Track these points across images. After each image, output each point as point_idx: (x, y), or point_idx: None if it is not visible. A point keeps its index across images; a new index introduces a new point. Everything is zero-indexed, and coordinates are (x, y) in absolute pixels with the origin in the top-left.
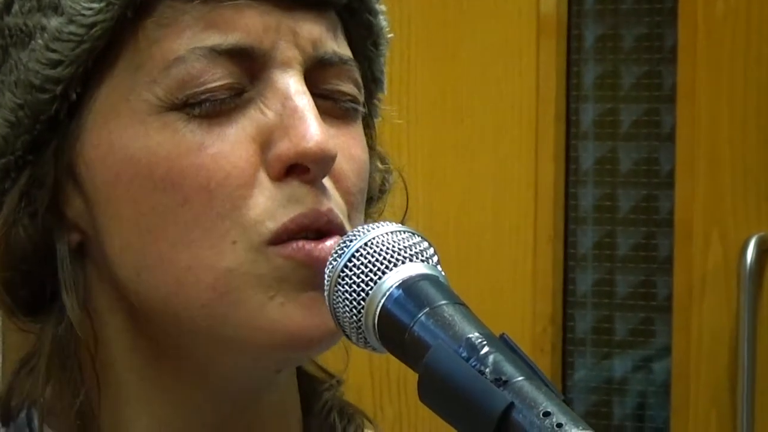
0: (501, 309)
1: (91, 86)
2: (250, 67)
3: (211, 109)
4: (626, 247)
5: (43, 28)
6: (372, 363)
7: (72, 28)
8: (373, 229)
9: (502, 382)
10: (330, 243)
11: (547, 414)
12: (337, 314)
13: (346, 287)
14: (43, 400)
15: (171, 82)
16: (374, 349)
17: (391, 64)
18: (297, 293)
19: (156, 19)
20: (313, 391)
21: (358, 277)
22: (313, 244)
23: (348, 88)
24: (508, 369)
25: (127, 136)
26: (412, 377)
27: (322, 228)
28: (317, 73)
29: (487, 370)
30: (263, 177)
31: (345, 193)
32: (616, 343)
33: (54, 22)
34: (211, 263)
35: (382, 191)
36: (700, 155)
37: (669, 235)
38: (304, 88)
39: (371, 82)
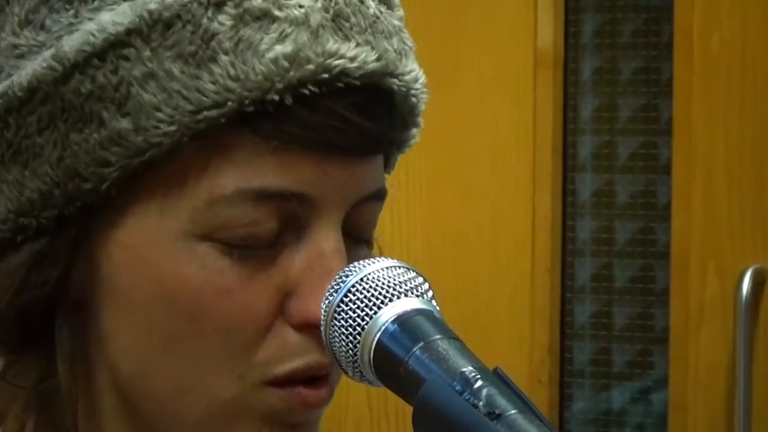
0: (499, 339)
1: (133, 189)
2: (292, 212)
3: (247, 253)
4: (624, 279)
5: (102, 122)
6: (370, 396)
7: (137, 139)
8: (369, 264)
9: (495, 415)
10: (325, 390)
11: None
12: (334, 348)
13: (343, 322)
14: None
15: (211, 219)
16: (370, 383)
17: None
18: (282, 428)
19: (220, 153)
20: None
21: (354, 312)
22: (310, 391)
23: (375, 217)
24: (502, 402)
25: (155, 254)
26: (410, 410)
27: (320, 376)
28: (356, 211)
29: (481, 403)
30: (280, 323)
31: None
32: (615, 375)
33: (116, 123)
34: (213, 392)
35: None
36: (696, 187)
37: (666, 267)
38: (341, 245)
39: (385, 166)
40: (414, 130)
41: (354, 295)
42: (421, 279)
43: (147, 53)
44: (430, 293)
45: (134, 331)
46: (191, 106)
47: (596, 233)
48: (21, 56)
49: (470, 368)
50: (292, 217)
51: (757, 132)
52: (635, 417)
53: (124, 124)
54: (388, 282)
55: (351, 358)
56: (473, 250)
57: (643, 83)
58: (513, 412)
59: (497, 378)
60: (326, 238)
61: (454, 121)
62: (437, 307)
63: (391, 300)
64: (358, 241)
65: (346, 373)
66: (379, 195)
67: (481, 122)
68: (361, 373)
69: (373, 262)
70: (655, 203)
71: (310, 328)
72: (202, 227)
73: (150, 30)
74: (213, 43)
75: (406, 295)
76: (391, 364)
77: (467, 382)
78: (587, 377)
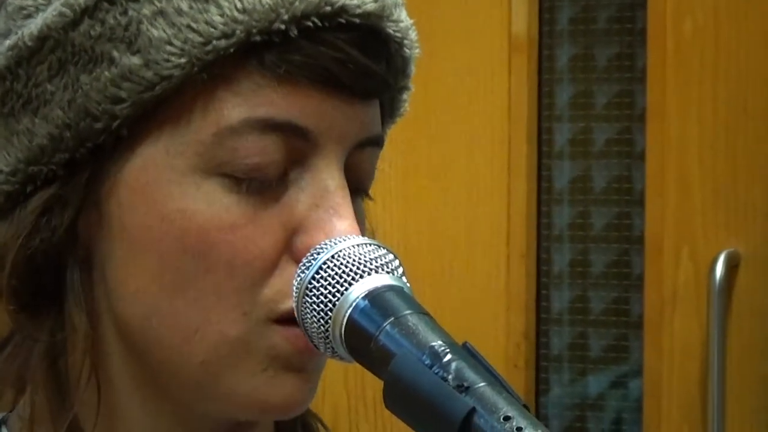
0: (475, 325)
1: (142, 128)
2: (297, 147)
3: (253, 187)
4: (601, 265)
5: (112, 61)
6: (347, 382)
7: (147, 74)
8: (341, 242)
9: (464, 388)
10: None
11: (507, 418)
12: (306, 325)
13: (314, 298)
14: (32, 409)
15: (218, 150)
16: (342, 359)
17: None
18: (286, 372)
19: (227, 85)
20: None
21: (326, 289)
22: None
23: (373, 167)
24: (470, 375)
25: (163, 192)
26: None
27: None
28: (356, 155)
29: (450, 376)
30: (286, 260)
31: None
32: (592, 360)
33: (126, 60)
34: (220, 329)
35: None
36: (669, 173)
37: (643, 253)
38: (344, 182)
39: None
40: (405, 94)
41: (325, 272)
42: (391, 256)
43: None
44: (400, 270)
45: (143, 274)
46: (200, 38)
47: (573, 220)
48: (28, 16)
49: (440, 342)
50: (296, 152)
51: (730, 118)
52: (612, 402)
53: (135, 60)
54: (359, 259)
55: (323, 334)
56: (449, 237)
57: (619, 69)
58: (482, 384)
59: (466, 352)
60: (330, 175)
61: (429, 107)
62: (408, 284)
63: (362, 276)
64: (357, 191)
65: (317, 348)
66: (378, 141)
67: (456, 109)
68: (333, 349)
69: (344, 240)
70: (631, 189)
71: None
72: (209, 161)
73: None
74: None
75: (376, 272)
76: (362, 340)
77: (437, 356)
78: (565, 363)
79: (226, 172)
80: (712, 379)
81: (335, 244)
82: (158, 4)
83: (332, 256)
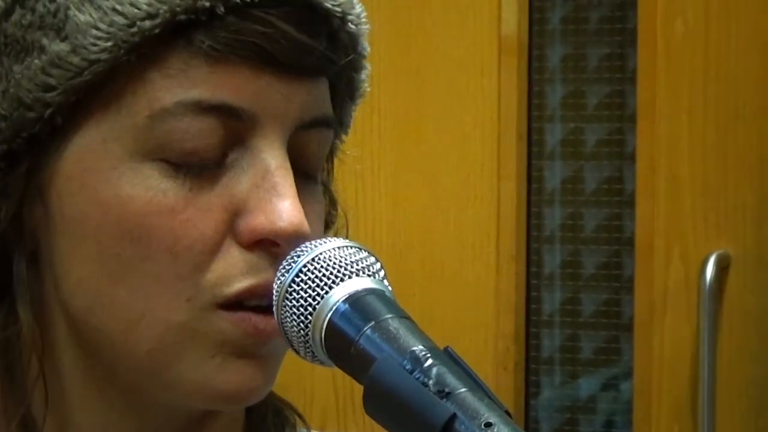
0: (464, 327)
1: (77, 116)
2: (235, 129)
3: (192, 172)
4: (592, 266)
5: (42, 49)
6: (336, 383)
7: (75, 59)
8: (321, 244)
9: (445, 393)
10: (276, 320)
11: (488, 425)
12: (285, 328)
13: (294, 302)
14: None
15: (152, 133)
16: (322, 363)
17: None
18: (236, 358)
19: (155, 69)
20: None
21: (306, 292)
22: (260, 318)
23: (323, 150)
24: (451, 381)
25: (99, 179)
26: None
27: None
28: (299, 137)
29: (431, 382)
30: (228, 243)
31: None
32: (583, 362)
33: (55, 46)
34: (163, 316)
35: (327, 227)
36: (660, 175)
37: (634, 254)
38: (286, 162)
39: (339, 125)
40: (363, 73)
41: (305, 275)
42: (372, 258)
43: None
44: (381, 273)
45: (85, 262)
46: (125, 20)
47: (565, 221)
48: None
49: (420, 347)
50: (234, 133)
51: (720, 119)
52: (603, 405)
53: (63, 46)
54: (340, 262)
55: (303, 338)
56: (438, 238)
57: (610, 70)
58: (463, 390)
59: (448, 357)
60: (270, 155)
61: (419, 107)
62: (389, 287)
63: (342, 280)
64: (306, 175)
65: (297, 353)
66: (326, 122)
67: (446, 109)
68: (313, 353)
69: (325, 242)
70: (623, 190)
71: (259, 246)
72: (145, 145)
73: None
74: None
75: (357, 275)
76: (343, 344)
77: (417, 360)
78: (555, 365)
79: (163, 157)
80: (702, 380)
81: (315, 246)
82: None
83: (312, 259)
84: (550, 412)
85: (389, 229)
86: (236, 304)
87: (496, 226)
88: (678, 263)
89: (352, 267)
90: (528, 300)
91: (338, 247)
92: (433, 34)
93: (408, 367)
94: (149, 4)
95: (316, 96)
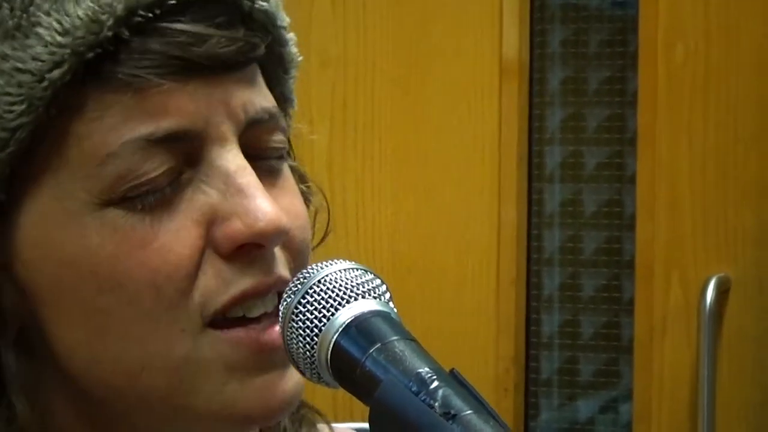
0: (464, 349)
1: (21, 186)
2: (186, 148)
3: (152, 200)
4: (591, 289)
5: None
6: (336, 400)
7: None
8: (327, 266)
9: (450, 415)
10: (277, 328)
11: None
12: (291, 350)
13: (300, 323)
14: None
15: (107, 178)
16: (327, 384)
17: (355, 106)
18: (251, 378)
19: (83, 115)
20: None
21: (312, 314)
22: (260, 329)
23: (278, 141)
24: (457, 403)
25: (63, 237)
26: None
27: (269, 294)
28: (250, 133)
29: (437, 404)
30: (209, 255)
31: (293, 252)
32: (582, 385)
33: None
34: (163, 354)
35: (306, 202)
36: (660, 198)
37: (633, 277)
38: (245, 162)
39: (282, 101)
40: (291, 45)
41: (311, 296)
42: (378, 281)
43: None
44: (387, 295)
45: (72, 326)
46: (33, 77)
47: (564, 243)
48: None
49: (426, 369)
50: (186, 153)
51: (720, 142)
52: (602, 427)
53: None
54: (346, 284)
55: (309, 359)
56: (439, 261)
57: (611, 94)
58: (468, 412)
59: (453, 379)
60: (226, 160)
61: (420, 130)
62: (394, 309)
63: (348, 302)
64: (271, 170)
65: (303, 374)
66: (270, 111)
67: (447, 132)
68: (319, 374)
69: (331, 264)
70: (622, 213)
71: (241, 252)
72: (100, 191)
73: None
74: (32, 9)
75: (363, 297)
76: (348, 366)
77: (423, 382)
78: (555, 387)
79: (121, 197)
80: (701, 403)
81: (322, 269)
82: None
83: (319, 281)
84: None
85: (390, 251)
86: (233, 320)
87: (497, 249)
88: (678, 286)
89: (357, 289)
90: (528, 322)
91: (344, 269)
92: (435, 57)
93: (414, 389)
94: (51, 53)
95: (253, 87)
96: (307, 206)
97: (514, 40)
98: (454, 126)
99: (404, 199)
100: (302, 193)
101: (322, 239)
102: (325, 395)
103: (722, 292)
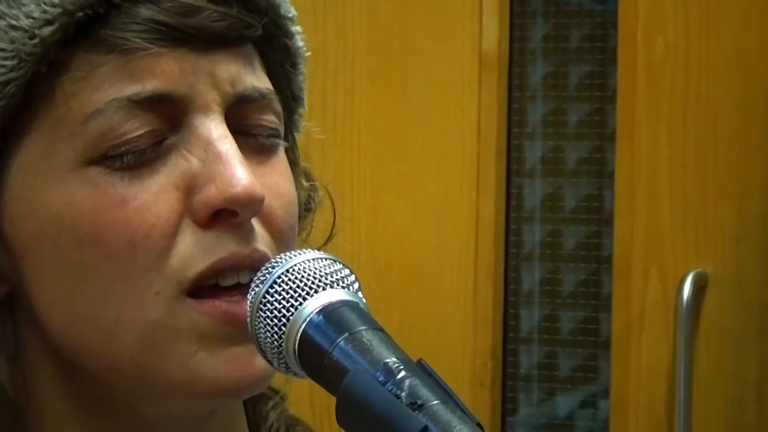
0: (442, 343)
1: (9, 142)
2: (170, 113)
3: (132, 160)
4: (570, 284)
5: None
6: (313, 398)
7: None
8: (296, 256)
9: (417, 405)
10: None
11: None
12: (259, 340)
13: (268, 313)
14: None
15: (90, 136)
16: (295, 375)
17: (335, 99)
18: (220, 349)
19: (72, 74)
20: (260, 411)
21: (280, 303)
22: (232, 302)
23: (269, 121)
24: (424, 393)
25: (49, 193)
26: None
27: (245, 268)
28: (238, 110)
29: (403, 394)
30: (187, 223)
31: (275, 231)
32: (561, 380)
33: None
34: (137, 316)
35: (308, 209)
36: (639, 193)
37: (612, 273)
38: (226, 132)
39: (291, 100)
40: (297, 38)
41: (279, 286)
42: (347, 271)
43: None
44: (356, 285)
45: (53, 280)
46: (24, 33)
47: (544, 238)
48: None
49: (394, 359)
50: (170, 117)
51: (699, 138)
52: (581, 423)
53: None
54: (314, 273)
55: (276, 349)
56: (417, 254)
57: (591, 89)
58: (435, 402)
59: (421, 369)
60: (208, 128)
61: (399, 124)
62: (363, 299)
63: (316, 291)
64: (260, 150)
65: (271, 364)
66: (259, 91)
67: (426, 126)
68: (287, 364)
69: (300, 254)
70: (602, 209)
71: (217, 221)
72: (85, 149)
73: None
74: None
75: (331, 287)
76: (316, 355)
77: (390, 372)
78: (533, 382)
79: (104, 155)
80: (679, 399)
81: (290, 258)
82: None
83: (287, 270)
84: (528, 429)
85: (368, 244)
86: (207, 288)
87: (475, 243)
88: (656, 282)
89: (326, 279)
90: (506, 317)
91: (313, 259)
92: (414, 51)
93: (381, 378)
94: (43, 11)
95: (245, 66)
96: (311, 205)
97: (494, 35)
98: (434, 120)
99: (383, 192)
100: (305, 190)
101: (327, 240)
102: (301, 390)
103: (700, 287)
